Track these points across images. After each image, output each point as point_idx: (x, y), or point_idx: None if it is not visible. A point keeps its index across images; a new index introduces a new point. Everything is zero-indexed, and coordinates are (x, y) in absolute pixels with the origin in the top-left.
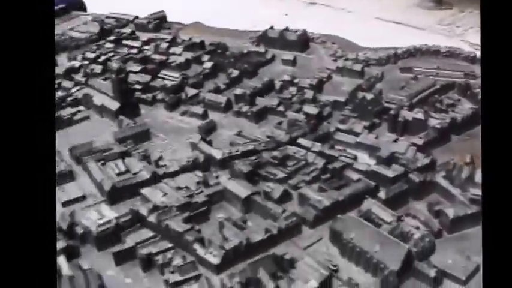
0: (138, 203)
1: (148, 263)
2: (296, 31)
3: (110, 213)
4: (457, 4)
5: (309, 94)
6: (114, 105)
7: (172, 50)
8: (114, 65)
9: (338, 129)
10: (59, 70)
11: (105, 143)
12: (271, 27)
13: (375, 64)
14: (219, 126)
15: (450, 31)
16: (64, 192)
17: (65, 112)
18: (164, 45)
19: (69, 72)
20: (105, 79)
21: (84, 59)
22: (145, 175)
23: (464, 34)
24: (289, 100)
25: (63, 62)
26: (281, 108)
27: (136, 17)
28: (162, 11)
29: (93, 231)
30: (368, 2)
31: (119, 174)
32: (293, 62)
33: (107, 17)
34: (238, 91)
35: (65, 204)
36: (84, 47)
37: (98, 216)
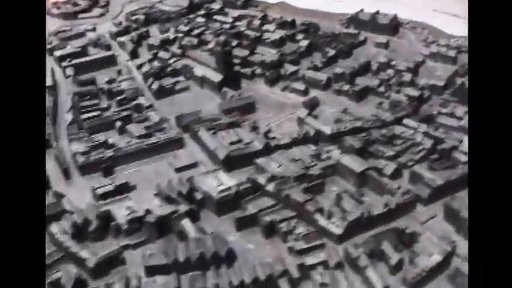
0: (252, 172)
1: (270, 230)
2: (386, 15)
3: (228, 181)
4: None
5: (407, 77)
6: (216, 77)
7: (264, 27)
8: (221, 37)
9: (440, 113)
10: (153, 41)
11: (211, 113)
12: (361, 10)
13: (466, 51)
14: (320, 103)
15: None
16: (176, 159)
17: (166, 82)
18: (256, 22)
19: (164, 44)
20: (205, 51)
21: (177, 31)
22: (258, 146)
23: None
24: (387, 82)
25: (155, 33)
26: (381, 89)
27: None
28: None
29: (214, 196)
30: None
31: (231, 144)
32: (386, 45)
33: None
34: (337, 70)
35: (178, 170)
36: (175, 20)
37: (217, 182)
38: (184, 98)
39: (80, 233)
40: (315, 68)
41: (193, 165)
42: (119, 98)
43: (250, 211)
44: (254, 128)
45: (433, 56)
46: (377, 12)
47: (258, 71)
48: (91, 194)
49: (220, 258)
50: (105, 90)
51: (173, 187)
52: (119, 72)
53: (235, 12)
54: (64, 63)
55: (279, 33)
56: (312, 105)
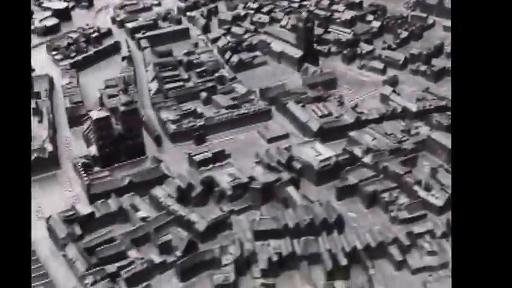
0: (345, 144)
1: (372, 199)
2: None
3: (326, 151)
4: None
5: None
6: (296, 52)
7: (333, 7)
8: (303, 14)
9: None
10: (225, 16)
11: (293, 87)
12: None
13: None
14: (399, 82)
15: None
16: (266, 130)
17: (244, 56)
18: (325, 1)
19: (236, 20)
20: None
21: (246, 8)
22: (348, 119)
23: None
24: None
25: (222, 9)
26: None
27: None
28: None
29: (314, 166)
30: None
31: (322, 117)
32: None
33: None
34: (414, 50)
35: (270, 140)
36: None
37: (315, 153)
38: (262, 72)
39: (184, 197)
40: (389, 49)
41: (285, 136)
42: (198, 70)
43: (351, 181)
44: (341, 103)
45: None
46: None
47: (333, 49)
48: (186, 161)
49: (329, 225)
50: (184, 62)
51: (272, 156)
52: (196, 45)
53: None
54: (138, 35)
55: (349, 14)
56: (392, 84)
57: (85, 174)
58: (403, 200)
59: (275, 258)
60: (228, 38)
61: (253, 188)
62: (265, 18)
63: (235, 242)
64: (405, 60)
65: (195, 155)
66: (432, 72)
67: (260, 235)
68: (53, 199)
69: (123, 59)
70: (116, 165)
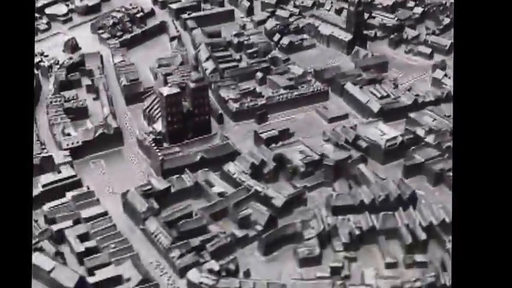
0: (406, 125)
1: (439, 178)
2: None
3: (390, 131)
4: None
5: None
6: (346, 36)
7: None
8: None
9: None
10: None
11: (347, 69)
12: None
13: None
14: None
15: None
16: (324, 110)
17: (294, 38)
18: None
19: (279, 3)
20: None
21: None
22: (406, 101)
23: None
24: None
25: None
26: None
27: None
28: None
29: (381, 145)
30: None
31: (380, 98)
32: None
33: None
34: None
35: (331, 120)
36: None
37: (379, 132)
38: (311, 54)
39: (256, 173)
40: (433, 35)
41: (344, 116)
42: (249, 51)
43: (418, 160)
44: (395, 85)
45: None
46: None
47: (379, 33)
48: (249, 138)
49: (404, 201)
50: (234, 43)
51: (339, 134)
52: (243, 27)
53: None
54: (184, 16)
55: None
56: (442, 68)
57: (158, 150)
58: None
59: (357, 232)
60: (274, 20)
61: (326, 164)
62: (308, 2)
63: (317, 216)
64: (451, 46)
65: (262, 132)
66: None
67: (337, 210)
68: (121, 175)
69: (172, 38)
70: (185, 142)
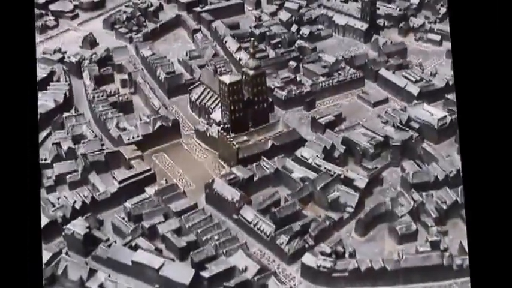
0: (442, 106)
1: None
2: None
3: (437, 112)
4: None
5: None
6: (362, 25)
7: None
8: None
9: None
10: None
11: (372, 56)
12: None
13: None
14: None
15: None
16: (367, 95)
17: (312, 29)
18: None
19: None
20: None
21: None
22: (439, 84)
23: None
24: None
25: None
26: None
27: None
28: None
29: (434, 125)
30: None
31: (415, 82)
32: None
33: None
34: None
35: (375, 104)
36: None
37: (428, 113)
38: (331, 43)
39: (329, 157)
40: (434, 23)
41: (385, 100)
42: (273, 41)
43: None
44: (422, 70)
45: None
46: None
47: (387, 23)
48: (303, 125)
49: None
50: (256, 34)
51: (393, 116)
52: (259, 19)
53: None
54: (197, 9)
55: None
56: None
57: (231, 139)
58: None
59: (444, 207)
60: (286, 12)
61: (394, 145)
62: None
63: (404, 194)
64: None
65: (319, 118)
66: None
67: (416, 188)
68: (188, 167)
69: (195, 31)
70: (250, 130)
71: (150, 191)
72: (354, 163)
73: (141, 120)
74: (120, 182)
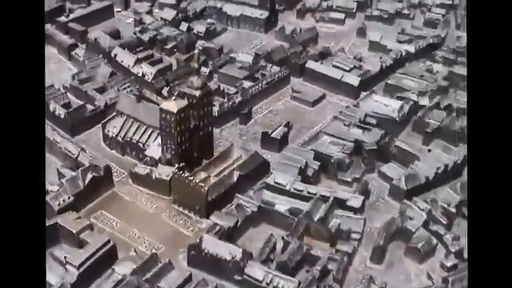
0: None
1: (461, 137)
2: None
3: (389, 101)
4: None
5: None
6: (261, 13)
7: None
8: None
9: None
10: None
11: (283, 47)
12: None
13: None
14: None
15: None
16: (301, 93)
17: (204, 24)
18: None
19: None
20: None
21: None
22: (373, 68)
23: None
24: None
25: None
26: None
27: None
28: None
29: (395, 117)
30: None
31: (350, 70)
32: None
33: None
34: None
35: (314, 104)
36: None
37: (382, 105)
38: (229, 38)
39: (303, 177)
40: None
41: (323, 97)
42: (168, 46)
43: (434, 124)
44: (345, 55)
45: None
46: None
47: (280, 6)
48: (254, 141)
49: (458, 167)
50: (145, 41)
51: (350, 115)
52: (140, 21)
53: None
54: (62, 19)
55: None
56: (362, 32)
57: (193, 179)
58: None
59: (453, 210)
60: (170, 10)
61: (370, 149)
62: None
63: (410, 205)
64: (358, 7)
65: (271, 133)
66: (387, 13)
67: (411, 193)
68: (142, 224)
69: (71, 47)
70: (205, 162)
71: (121, 269)
72: (328, 178)
73: (63, 176)
74: (78, 268)
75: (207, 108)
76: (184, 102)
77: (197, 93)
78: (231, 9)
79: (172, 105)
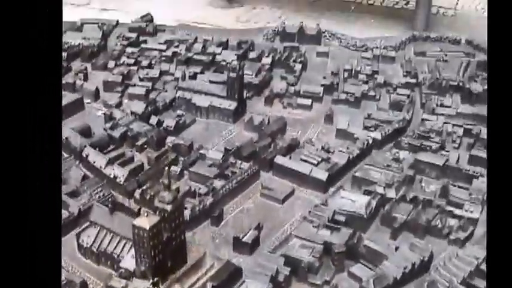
0: (350, 184)
1: (428, 229)
2: None
3: (356, 197)
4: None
5: None
6: (230, 104)
7: (209, 50)
8: (234, 62)
9: None
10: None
11: (251, 140)
12: None
13: None
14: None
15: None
16: (271, 191)
17: (173, 117)
18: (199, 44)
19: (124, 79)
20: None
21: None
22: (340, 160)
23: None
24: None
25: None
26: None
27: None
28: None
29: (363, 214)
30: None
31: (317, 164)
32: None
33: None
34: (326, 80)
35: (283, 201)
36: None
37: (349, 201)
38: (198, 131)
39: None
40: (293, 84)
41: (292, 192)
42: (139, 143)
43: (400, 218)
44: (312, 145)
45: None
46: None
47: (248, 93)
48: (225, 245)
49: (426, 263)
50: (117, 138)
51: (318, 215)
52: (110, 117)
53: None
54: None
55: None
56: (330, 118)
57: None
58: None
59: None
60: (141, 102)
61: (339, 252)
62: (155, 72)
63: None
64: (323, 92)
65: (242, 237)
66: (353, 96)
67: None
68: None
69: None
70: (177, 273)
71: None
72: (299, 281)
73: None
74: None
75: (178, 220)
76: (156, 218)
77: (169, 207)
78: (200, 100)
79: (145, 222)
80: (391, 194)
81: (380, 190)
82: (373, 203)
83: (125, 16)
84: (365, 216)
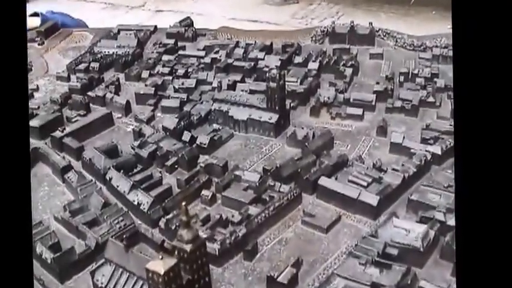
0: (405, 209)
1: None
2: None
3: (412, 226)
4: None
5: None
6: (270, 116)
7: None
8: (273, 71)
9: None
10: (136, 88)
11: (294, 157)
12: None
13: None
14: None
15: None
16: (314, 218)
17: (207, 132)
18: (239, 50)
19: (157, 90)
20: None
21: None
22: (393, 181)
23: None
24: None
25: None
26: None
27: None
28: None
29: (418, 247)
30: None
31: (367, 186)
32: None
33: None
34: (378, 86)
35: (327, 230)
36: None
37: (404, 231)
38: (235, 147)
39: None
40: (343, 92)
41: (338, 219)
42: (168, 163)
43: None
44: (362, 162)
45: None
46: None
47: (292, 103)
48: (259, 285)
49: None
50: (145, 158)
51: (365, 249)
52: (139, 134)
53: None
54: (57, 134)
55: (274, 61)
56: (383, 129)
57: None
58: None
59: None
60: (173, 117)
61: None
62: (191, 82)
63: None
64: (376, 99)
65: (277, 276)
66: (410, 103)
67: None
68: None
69: (65, 170)
70: None
71: None
72: None
73: None
74: None
75: (201, 260)
76: (172, 261)
77: (188, 247)
78: (238, 113)
79: (159, 266)
80: (452, 221)
81: (440, 216)
82: (431, 233)
83: (180, 17)
84: (421, 249)
